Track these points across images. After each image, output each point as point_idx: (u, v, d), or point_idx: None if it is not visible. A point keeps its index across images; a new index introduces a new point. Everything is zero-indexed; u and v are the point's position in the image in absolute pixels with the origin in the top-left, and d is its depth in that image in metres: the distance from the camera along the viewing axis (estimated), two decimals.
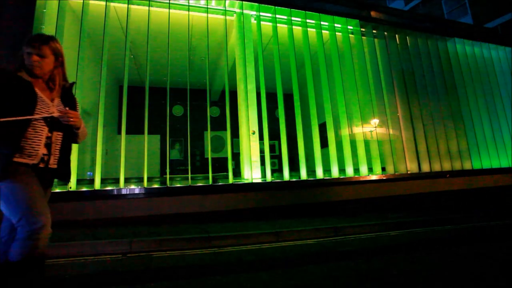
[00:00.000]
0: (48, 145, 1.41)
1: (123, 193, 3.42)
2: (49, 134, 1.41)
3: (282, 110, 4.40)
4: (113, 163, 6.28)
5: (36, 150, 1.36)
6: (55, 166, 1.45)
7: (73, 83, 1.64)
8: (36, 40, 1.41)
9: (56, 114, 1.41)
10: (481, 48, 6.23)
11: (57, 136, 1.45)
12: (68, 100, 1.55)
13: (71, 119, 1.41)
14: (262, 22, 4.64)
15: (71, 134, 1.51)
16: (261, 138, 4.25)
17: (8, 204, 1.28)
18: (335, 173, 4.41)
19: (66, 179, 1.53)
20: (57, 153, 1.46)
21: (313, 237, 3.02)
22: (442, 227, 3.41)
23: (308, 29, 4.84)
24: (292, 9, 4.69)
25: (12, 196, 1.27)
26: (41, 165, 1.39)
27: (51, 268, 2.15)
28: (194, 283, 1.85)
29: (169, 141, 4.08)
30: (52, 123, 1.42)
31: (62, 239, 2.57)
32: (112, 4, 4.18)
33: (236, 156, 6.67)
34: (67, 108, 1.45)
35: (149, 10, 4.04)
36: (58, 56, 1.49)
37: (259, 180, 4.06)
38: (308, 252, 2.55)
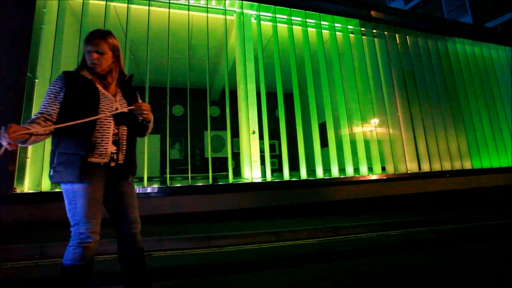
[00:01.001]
0: (116, 142, 1.41)
1: None
2: (116, 131, 1.41)
3: (282, 110, 4.39)
4: None
5: (106, 148, 1.37)
6: (122, 162, 1.44)
7: (132, 75, 1.61)
8: (94, 37, 1.40)
9: (126, 109, 1.41)
10: (481, 48, 6.23)
11: (123, 132, 1.44)
12: (129, 93, 1.53)
13: (145, 112, 1.41)
14: (262, 22, 4.64)
15: (138, 128, 1.50)
16: (261, 137, 4.25)
17: (70, 205, 1.32)
18: (335, 173, 4.41)
19: (132, 173, 1.51)
20: (125, 148, 1.45)
21: (313, 237, 3.02)
22: (442, 226, 3.41)
23: (308, 28, 4.83)
24: (292, 9, 4.68)
25: (74, 200, 1.31)
26: (112, 164, 1.39)
27: (51, 269, 2.15)
28: (194, 283, 1.85)
29: (169, 141, 4.08)
30: (118, 119, 1.42)
31: (61, 239, 2.56)
32: (112, 3, 4.17)
33: (236, 156, 6.66)
34: (140, 101, 1.44)
35: (149, 9, 4.03)
36: (116, 51, 1.47)
37: (259, 180, 4.06)
38: (308, 252, 2.55)
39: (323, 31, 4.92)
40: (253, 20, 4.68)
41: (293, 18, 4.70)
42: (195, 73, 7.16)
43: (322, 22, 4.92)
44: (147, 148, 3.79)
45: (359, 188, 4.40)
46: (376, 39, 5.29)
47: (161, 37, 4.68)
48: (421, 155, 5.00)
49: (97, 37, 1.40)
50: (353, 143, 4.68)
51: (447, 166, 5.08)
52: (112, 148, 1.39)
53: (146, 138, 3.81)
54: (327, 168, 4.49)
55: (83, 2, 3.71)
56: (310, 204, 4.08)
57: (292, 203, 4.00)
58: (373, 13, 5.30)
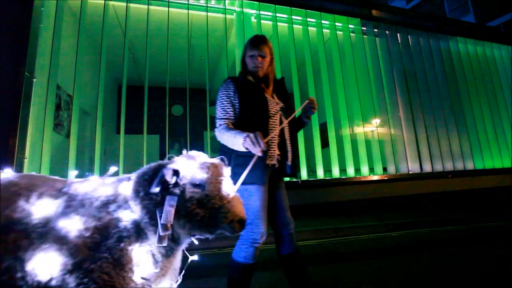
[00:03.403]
0: (281, 143, 1.44)
1: None
2: (278, 132, 1.44)
3: None
4: (111, 163, 6.25)
5: (274, 150, 1.41)
6: (290, 162, 1.47)
7: (283, 77, 1.64)
8: (258, 42, 1.48)
9: (301, 107, 1.47)
10: (484, 47, 6.17)
11: (287, 132, 1.48)
12: (283, 93, 1.58)
13: (315, 107, 1.47)
14: (262, 21, 4.60)
15: (296, 127, 1.56)
16: None
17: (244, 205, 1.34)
18: (335, 173, 4.37)
19: (295, 173, 1.54)
20: (290, 149, 1.47)
21: (313, 237, 2.98)
22: (444, 227, 3.38)
23: (309, 27, 4.79)
24: (292, 8, 4.65)
25: (249, 200, 1.33)
26: (276, 166, 1.43)
27: None
28: (193, 284, 1.83)
29: (168, 141, 4.05)
30: (281, 120, 1.47)
31: None
32: (111, 2, 4.14)
33: None
34: (311, 97, 1.49)
35: (148, 8, 4.00)
36: (271, 54, 1.52)
37: None
38: (308, 253, 2.52)
39: (323, 30, 4.88)
40: (253, 19, 4.64)
41: (293, 17, 4.66)
42: (195, 72, 7.13)
43: (322, 21, 4.88)
44: (146, 148, 3.76)
45: (360, 189, 4.36)
46: (377, 39, 5.24)
47: (160, 36, 4.66)
48: (423, 156, 4.96)
49: (261, 42, 1.49)
50: (354, 143, 4.64)
51: (449, 166, 5.04)
52: (278, 150, 1.42)
53: (145, 138, 3.78)
54: (327, 169, 4.46)
55: (81, 1, 3.68)
56: (311, 205, 4.04)
57: (292, 203, 3.96)
58: (374, 12, 5.25)
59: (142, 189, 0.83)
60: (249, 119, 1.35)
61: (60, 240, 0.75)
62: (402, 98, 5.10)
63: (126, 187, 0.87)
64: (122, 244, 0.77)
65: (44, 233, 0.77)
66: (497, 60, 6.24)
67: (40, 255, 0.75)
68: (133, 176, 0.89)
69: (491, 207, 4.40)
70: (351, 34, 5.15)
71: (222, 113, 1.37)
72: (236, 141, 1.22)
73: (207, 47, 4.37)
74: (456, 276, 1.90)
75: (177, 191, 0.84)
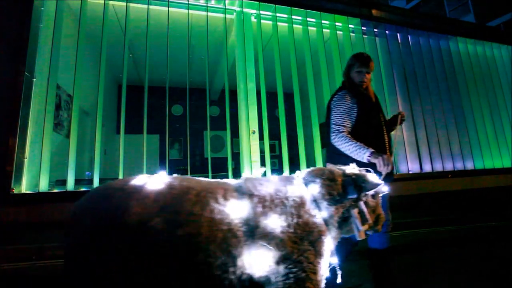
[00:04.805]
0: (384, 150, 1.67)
1: None
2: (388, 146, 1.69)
3: (283, 110, 4.36)
4: (111, 163, 6.26)
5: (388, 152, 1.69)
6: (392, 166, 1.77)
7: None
8: (368, 61, 1.70)
9: (400, 117, 1.72)
10: (484, 47, 6.17)
11: (387, 141, 1.70)
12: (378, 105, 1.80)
13: (404, 119, 1.73)
14: (262, 21, 4.60)
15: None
16: (261, 137, 4.21)
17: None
18: None
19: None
20: (389, 153, 1.70)
21: None
22: (444, 227, 3.38)
23: (309, 27, 4.79)
24: (292, 8, 4.64)
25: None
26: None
27: (49, 269, 2.12)
28: None
29: (168, 141, 4.05)
30: (388, 128, 1.74)
31: (59, 240, 2.54)
32: (111, 2, 4.14)
33: (236, 156, 6.63)
34: (402, 112, 1.75)
35: (148, 8, 4.00)
36: (373, 70, 1.76)
37: None
38: None
39: (323, 30, 4.88)
40: (253, 19, 4.64)
41: (293, 17, 4.66)
42: (195, 72, 7.13)
43: (322, 21, 4.88)
44: (146, 148, 3.76)
45: None
46: (377, 39, 5.24)
47: (160, 36, 4.65)
48: (423, 156, 4.96)
49: (370, 60, 1.72)
50: None
51: (449, 166, 5.04)
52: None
53: (145, 138, 3.78)
54: None
55: (81, 1, 3.68)
56: None
57: None
58: (374, 12, 5.25)
59: (336, 193, 1.02)
60: (361, 127, 1.55)
61: (267, 237, 0.86)
62: (402, 97, 5.10)
63: (313, 189, 1.03)
64: (321, 238, 0.93)
65: (249, 231, 0.86)
66: (497, 60, 6.23)
67: (249, 251, 0.83)
68: (317, 179, 1.07)
69: (491, 207, 4.40)
70: (351, 34, 5.14)
71: (340, 121, 1.55)
72: (359, 153, 1.44)
73: (207, 47, 4.37)
74: (456, 276, 1.90)
75: (364, 199, 1.06)
